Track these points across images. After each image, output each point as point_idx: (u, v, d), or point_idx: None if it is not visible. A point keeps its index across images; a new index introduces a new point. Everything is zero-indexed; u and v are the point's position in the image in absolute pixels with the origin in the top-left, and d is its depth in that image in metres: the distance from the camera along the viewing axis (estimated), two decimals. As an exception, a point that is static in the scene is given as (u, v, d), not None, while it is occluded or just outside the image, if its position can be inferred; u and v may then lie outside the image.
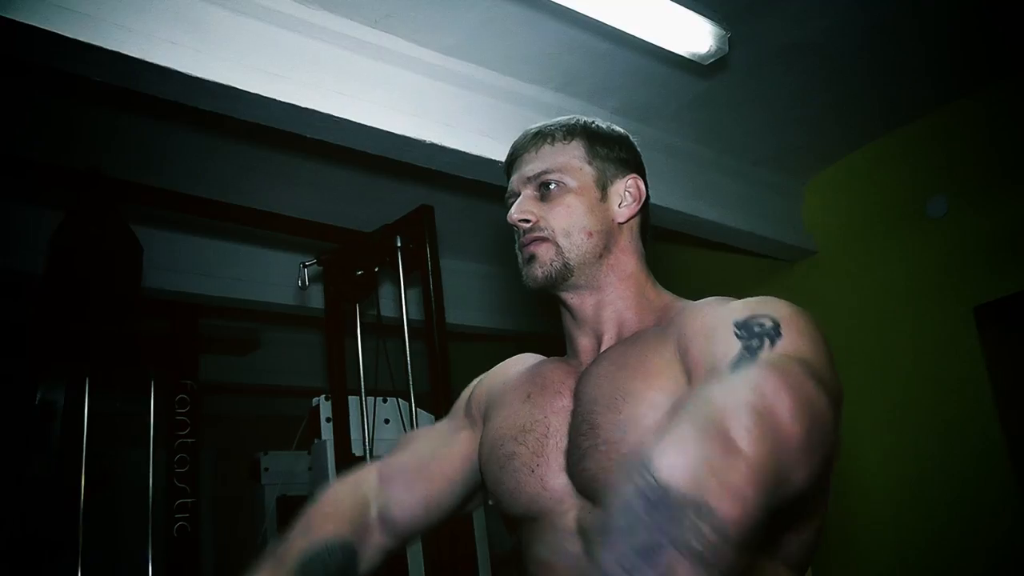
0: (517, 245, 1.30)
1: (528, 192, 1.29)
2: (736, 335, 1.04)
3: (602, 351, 1.26)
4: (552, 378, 1.29)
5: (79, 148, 2.98)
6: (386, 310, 3.27)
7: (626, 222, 1.30)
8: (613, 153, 1.32)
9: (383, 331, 3.22)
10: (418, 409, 3.15)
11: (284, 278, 3.79)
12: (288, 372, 5.32)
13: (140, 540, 3.31)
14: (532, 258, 1.26)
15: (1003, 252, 3.34)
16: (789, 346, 1.00)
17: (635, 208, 1.30)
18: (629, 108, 3.17)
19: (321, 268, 3.37)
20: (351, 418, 3.29)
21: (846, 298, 3.81)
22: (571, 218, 1.26)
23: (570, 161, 1.29)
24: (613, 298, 1.28)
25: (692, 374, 1.08)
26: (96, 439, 3.25)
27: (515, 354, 1.43)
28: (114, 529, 4.18)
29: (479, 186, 2.90)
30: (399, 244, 3.02)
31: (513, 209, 1.27)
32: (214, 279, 3.69)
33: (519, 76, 2.89)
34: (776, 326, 1.04)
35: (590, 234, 1.26)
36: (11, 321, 3.20)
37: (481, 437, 1.34)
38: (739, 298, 1.16)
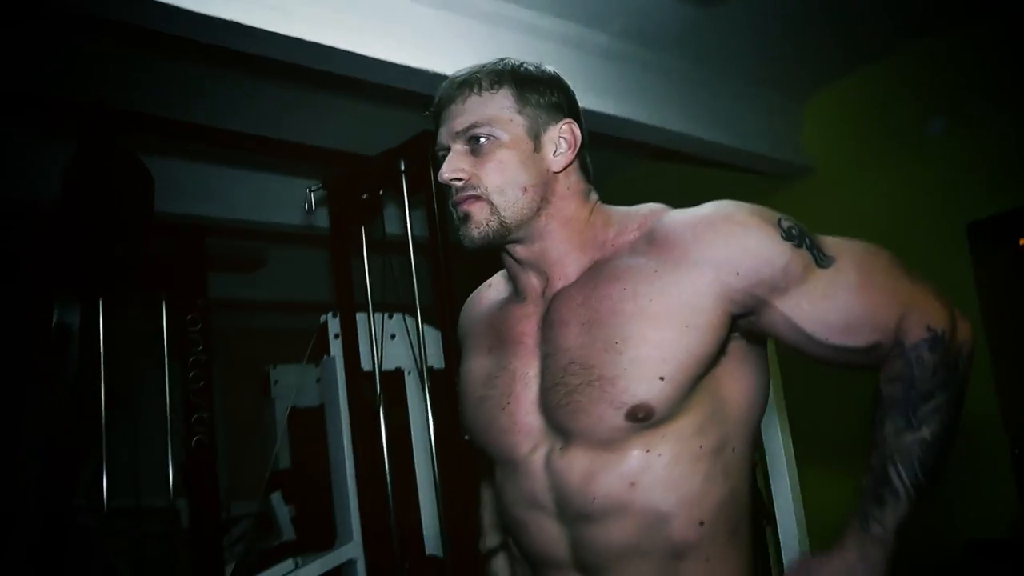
0: (450, 202, 1.25)
1: (458, 147, 1.24)
2: (795, 246, 1.14)
3: (558, 290, 1.26)
4: (508, 325, 1.31)
5: (87, 82, 3.01)
6: (391, 229, 3.35)
7: (562, 170, 1.26)
8: (544, 99, 1.26)
9: (388, 248, 3.30)
10: (425, 325, 3.25)
11: (290, 202, 3.87)
12: (296, 287, 5.42)
13: (160, 454, 3.45)
14: (467, 217, 1.23)
15: (997, 171, 3.39)
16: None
17: (571, 156, 1.26)
18: (630, 32, 3.18)
19: (326, 192, 3.43)
20: (359, 334, 3.39)
21: (843, 216, 3.88)
22: (504, 174, 1.22)
23: (499, 112, 1.23)
24: (556, 242, 1.26)
25: (771, 293, 1.13)
26: (112, 359, 3.36)
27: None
28: (135, 445, 4.34)
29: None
30: (403, 168, 3.08)
31: (444, 167, 1.23)
32: (220, 203, 3.78)
33: (519, 3, 2.90)
34: (792, 220, 1.18)
35: (525, 189, 1.22)
36: (27, 250, 3.29)
37: (458, 381, 1.39)
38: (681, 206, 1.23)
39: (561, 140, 1.26)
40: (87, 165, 2.68)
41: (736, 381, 1.21)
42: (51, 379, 3.08)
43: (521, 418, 1.24)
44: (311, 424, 4.47)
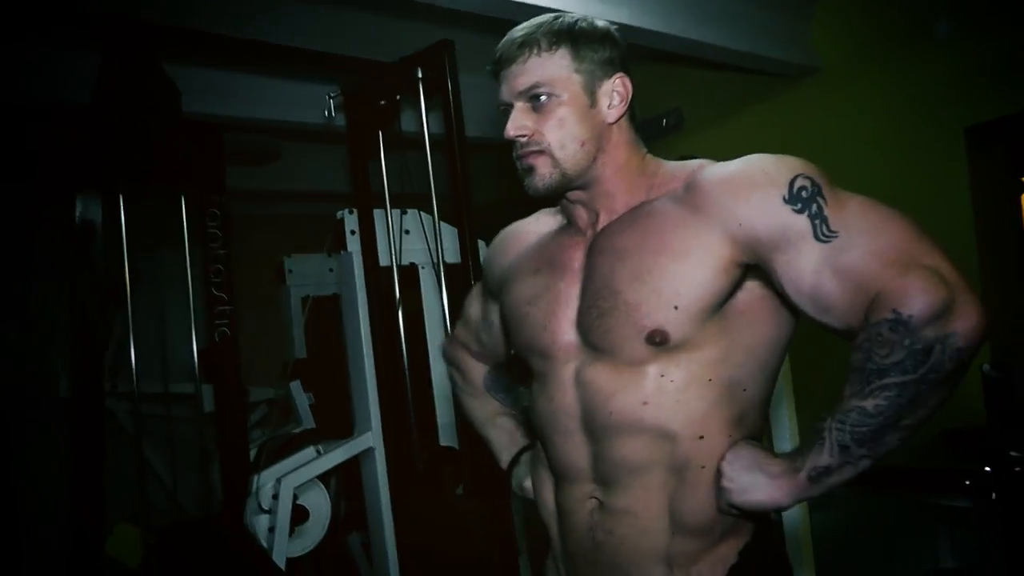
0: (515, 155, 1.39)
1: (520, 105, 1.36)
2: (795, 211, 1.20)
3: (606, 225, 1.40)
4: (557, 251, 1.47)
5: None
6: (407, 127, 3.42)
7: (615, 122, 1.39)
8: (598, 55, 1.37)
9: (405, 146, 3.38)
10: (442, 222, 3.36)
11: (309, 104, 3.92)
12: (311, 179, 5.51)
13: (186, 346, 3.60)
14: (531, 169, 1.37)
15: (1000, 77, 3.45)
16: (831, 189, 1.21)
17: (623, 108, 1.38)
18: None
19: (344, 98, 3.50)
20: (376, 231, 3.51)
21: (846, 115, 3.96)
22: (563, 130, 1.34)
23: (558, 72, 1.34)
24: (608, 186, 1.40)
25: (768, 251, 1.22)
26: (135, 251, 3.47)
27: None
28: (162, 334, 4.50)
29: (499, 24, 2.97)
30: (419, 75, 3.14)
31: (509, 125, 1.36)
32: (240, 104, 3.84)
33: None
34: (814, 183, 1.21)
35: (583, 143, 1.35)
36: (45, 149, 3.38)
37: (503, 303, 1.57)
38: (734, 156, 1.30)
39: (615, 94, 1.38)
40: (114, 73, 2.77)
41: (750, 325, 1.31)
42: (76, 271, 3.18)
43: (561, 336, 1.40)
44: (325, 314, 4.62)
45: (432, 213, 3.33)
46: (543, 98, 1.34)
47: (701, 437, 1.29)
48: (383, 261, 3.49)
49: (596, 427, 1.35)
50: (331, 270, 4.66)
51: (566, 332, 1.39)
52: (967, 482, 2.88)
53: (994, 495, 2.75)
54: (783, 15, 3.96)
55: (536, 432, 1.52)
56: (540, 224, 1.59)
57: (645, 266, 1.28)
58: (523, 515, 3.20)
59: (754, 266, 1.27)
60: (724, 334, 1.29)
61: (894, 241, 1.15)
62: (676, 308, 1.26)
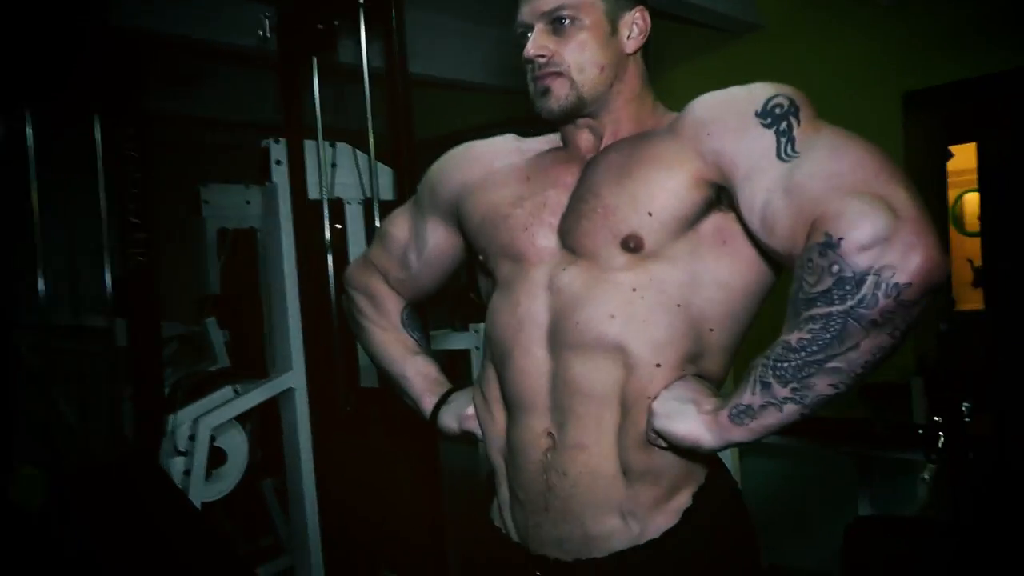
0: (530, 77, 1.37)
1: (541, 26, 1.34)
2: (763, 125, 1.17)
3: (607, 146, 1.38)
4: (554, 163, 1.43)
5: None
6: (346, 59, 3.25)
7: (633, 53, 1.39)
8: None
9: (342, 75, 3.22)
10: (377, 162, 3.20)
11: (238, 23, 3.68)
12: (239, 106, 5.24)
13: (97, 275, 3.40)
14: (547, 91, 1.34)
15: (939, 46, 3.50)
16: (811, 114, 1.17)
17: (641, 40, 1.38)
18: None
19: (279, 19, 3.29)
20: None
21: (785, 73, 3.91)
22: (584, 54, 1.33)
23: None
24: (617, 114, 1.39)
25: (731, 168, 1.19)
26: (45, 175, 3.25)
27: (482, 108, 1.54)
28: (71, 265, 4.24)
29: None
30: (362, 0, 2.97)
31: (529, 45, 1.34)
32: (163, 16, 3.56)
33: None
34: (792, 103, 1.17)
35: (602, 68, 1.34)
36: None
37: (467, 211, 1.49)
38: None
39: (634, 26, 1.37)
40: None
41: (720, 259, 1.28)
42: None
43: (540, 240, 1.37)
44: (242, 247, 4.44)
45: (369, 152, 3.19)
46: (566, 21, 1.33)
47: (658, 365, 1.25)
48: (312, 195, 3.33)
49: (559, 340, 1.30)
50: (248, 202, 4.48)
51: (546, 236, 1.36)
52: (920, 432, 2.98)
53: (941, 444, 2.84)
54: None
55: (491, 351, 1.44)
56: (509, 144, 1.55)
57: (626, 172, 1.29)
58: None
59: (723, 193, 1.24)
60: (695, 257, 1.27)
61: (852, 166, 1.09)
62: (650, 214, 1.25)
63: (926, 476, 3.12)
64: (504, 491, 1.43)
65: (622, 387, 1.26)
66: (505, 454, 1.41)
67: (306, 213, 3.34)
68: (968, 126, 3.87)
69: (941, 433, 2.85)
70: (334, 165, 3.38)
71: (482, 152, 1.56)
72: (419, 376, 1.65)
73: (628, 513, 1.28)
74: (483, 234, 1.45)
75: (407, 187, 2.90)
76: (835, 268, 1.02)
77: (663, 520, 1.28)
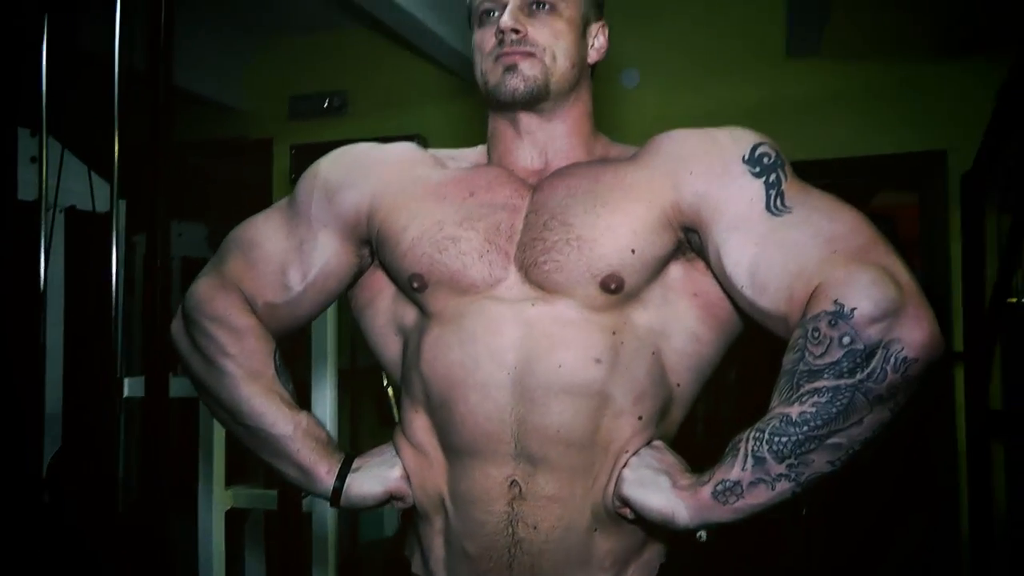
0: (491, 54, 1.26)
1: (516, 3, 1.25)
2: (752, 173, 1.14)
3: (557, 169, 1.28)
4: (500, 180, 1.29)
5: None
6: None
7: (592, 65, 1.34)
8: None
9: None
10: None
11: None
12: None
13: None
14: (513, 67, 1.24)
15: None
16: (791, 171, 1.15)
17: (602, 54, 1.34)
18: None
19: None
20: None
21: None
22: (560, 42, 1.26)
23: None
24: (570, 131, 1.31)
25: (713, 213, 1.14)
26: None
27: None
28: None
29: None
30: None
31: (506, 15, 1.23)
32: None
33: None
34: (778, 156, 1.15)
35: (572, 64, 1.27)
36: None
37: (393, 225, 1.27)
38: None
39: (599, 36, 1.34)
40: None
41: (687, 309, 1.22)
42: None
43: (498, 269, 1.21)
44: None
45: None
46: (545, 6, 1.25)
47: (640, 418, 1.18)
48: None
49: (534, 382, 1.15)
50: None
51: (503, 266, 1.21)
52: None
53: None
54: None
55: (424, 393, 1.23)
56: (418, 152, 1.36)
57: (600, 199, 1.19)
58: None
59: (691, 236, 1.19)
60: (666, 303, 1.21)
61: (850, 232, 1.07)
62: (633, 252, 1.16)
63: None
64: (438, 545, 1.24)
65: (602, 436, 1.17)
66: (449, 510, 1.22)
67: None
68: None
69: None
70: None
71: (392, 155, 1.35)
72: (309, 439, 1.26)
73: (600, 568, 1.18)
74: (419, 257, 1.23)
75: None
76: (846, 340, 0.99)
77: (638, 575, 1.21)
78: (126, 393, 2.63)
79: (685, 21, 3.87)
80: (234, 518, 2.88)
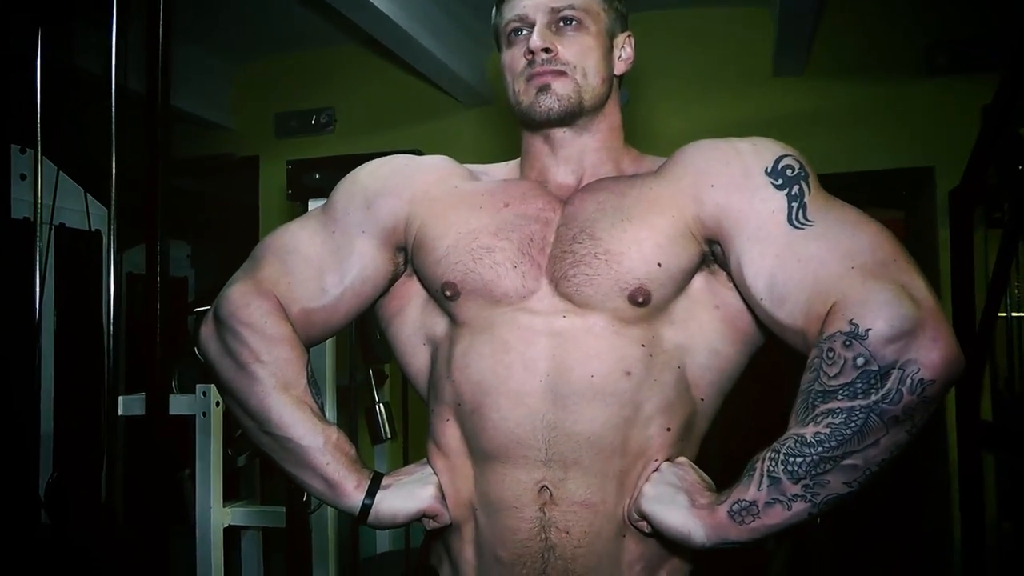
0: (523, 74, 1.28)
1: (545, 21, 1.27)
2: (774, 185, 1.14)
3: (587, 184, 1.31)
4: (533, 193, 1.31)
5: None
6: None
7: (620, 76, 1.36)
8: (620, 5, 1.36)
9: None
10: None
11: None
12: None
13: None
14: (546, 88, 1.26)
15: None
16: (816, 183, 1.16)
17: (628, 65, 1.36)
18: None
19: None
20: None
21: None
22: (589, 59, 1.28)
23: (592, 3, 1.30)
24: (600, 145, 1.33)
25: (736, 225, 1.16)
26: None
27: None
28: None
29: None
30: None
31: (535, 36, 1.25)
32: None
33: None
34: (802, 167, 1.16)
35: (603, 80, 1.30)
36: None
37: (430, 232, 1.29)
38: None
39: (625, 47, 1.36)
40: None
41: (710, 322, 1.23)
42: None
43: (530, 283, 1.23)
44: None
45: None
46: (573, 23, 1.28)
47: (668, 429, 1.20)
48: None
49: (567, 389, 1.17)
50: None
51: (536, 277, 1.23)
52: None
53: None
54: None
55: (454, 400, 1.24)
56: (454, 165, 1.40)
57: (626, 214, 1.21)
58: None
59: (714, 248, 1.21)
60: (690, 316, 1.22)
61: (870, 248, 1.07)
62: (659, 265, 1.18)
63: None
64: (469, 553, 1.25)
65: (632, 445, 1.18)
66: (477, 514, 1.24)
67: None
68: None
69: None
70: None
71: (429, 166, 1.39)
72: (338, 453, 1.24)
73: (631, 572, 1.20)
74: (453, 265, 1.25)
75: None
76: (860, 360, 0.98)
77: None
78: (121, 411, 2.63)
79: (675, 41, 3.90)
80: (231, 535, 2.85)
